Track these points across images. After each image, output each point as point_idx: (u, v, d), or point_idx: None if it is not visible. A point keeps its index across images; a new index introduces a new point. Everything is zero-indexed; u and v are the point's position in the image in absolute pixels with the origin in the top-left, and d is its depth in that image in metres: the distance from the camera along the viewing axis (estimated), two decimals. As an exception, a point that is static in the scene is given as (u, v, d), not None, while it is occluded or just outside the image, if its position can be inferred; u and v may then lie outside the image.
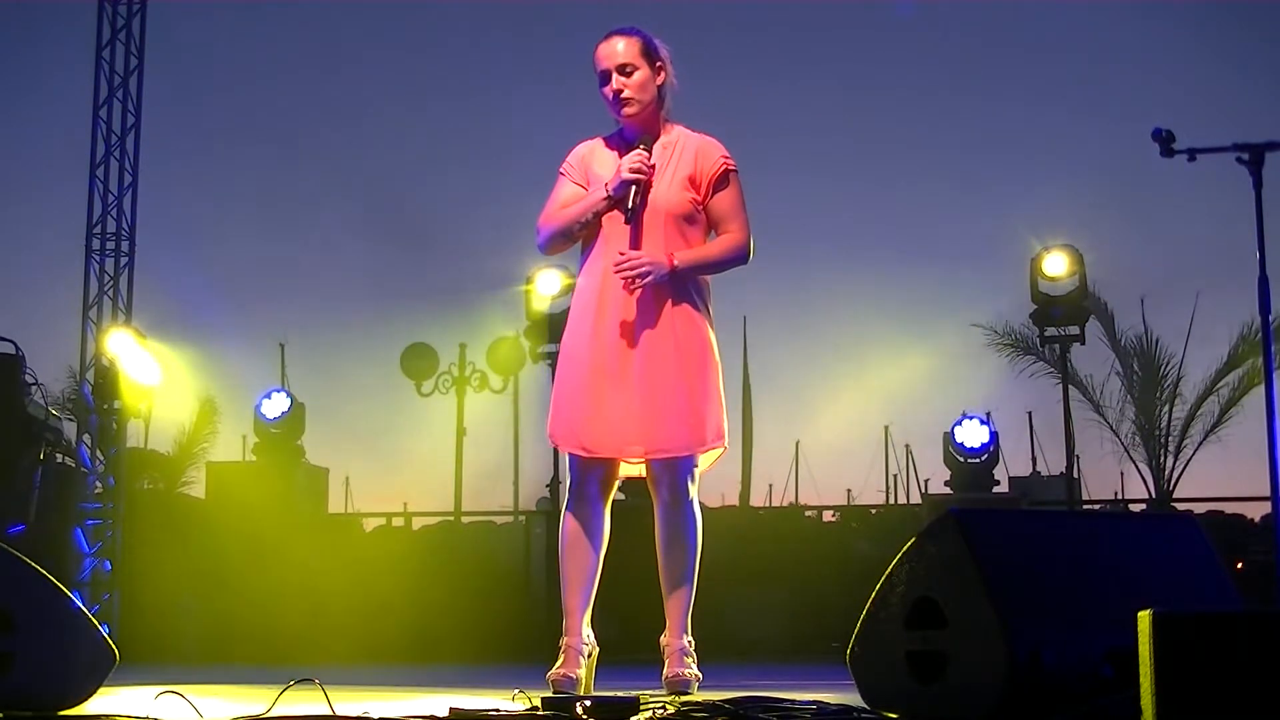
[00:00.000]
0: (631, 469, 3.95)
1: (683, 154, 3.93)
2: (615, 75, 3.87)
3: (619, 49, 3.89)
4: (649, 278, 3.75)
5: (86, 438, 10.15)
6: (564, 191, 3.97)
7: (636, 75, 3.88)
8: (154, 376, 10.00)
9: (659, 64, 3.93)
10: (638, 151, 3.85)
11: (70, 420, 10.19)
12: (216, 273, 15.23)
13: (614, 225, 3.87)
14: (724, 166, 3.93)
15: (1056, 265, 9.41)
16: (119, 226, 10.30)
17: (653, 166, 3.86)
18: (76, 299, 10.21)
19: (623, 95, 3.86)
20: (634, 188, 3.81)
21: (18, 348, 7.19)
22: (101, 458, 10.18)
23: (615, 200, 3.83)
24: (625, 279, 3.76)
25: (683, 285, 3.85)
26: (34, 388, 7.38)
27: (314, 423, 11.24)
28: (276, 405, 10.89)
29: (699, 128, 4.01)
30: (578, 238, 3.94)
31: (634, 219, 3.82)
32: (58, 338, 10.58)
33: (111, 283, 10.24)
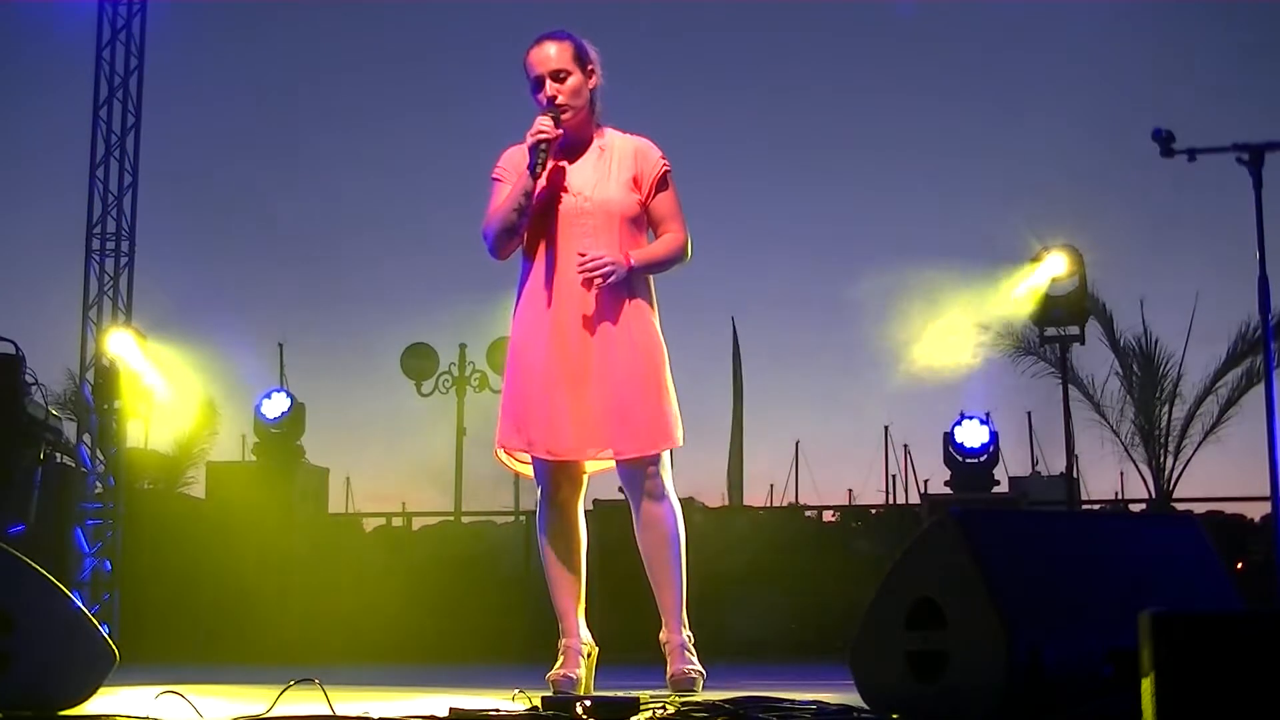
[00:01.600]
0: (599, 464, 3.95)
1: (621, 157, 3.95)
2: (549, 81, 3.87)
3: (551, 54, 3.88)
4: (611, 277, 3.76)
5: (86, 438, 10.16)
6: (500, 195, 3.97)
7: (570, 80, 3.87)
8: (160, 388, 10.04)
9: (590, 67, 3.93)
10: (543, 118, 3.84)
11: (70, 420, 10.21)
12: (216, 273, 15.24)
13: (565, 227, 3.87)
14: (664, 168, 3.96)
15: (1056, 265, 9.42)
16: (119, 226, 10.32)
17: (560, 133, 3.84)
18: (76, 299, 10.23)
19: (557, 101, 3.86)
20: (542, 148, 3.79)
21: (18, 348, 7.18)
22: (101, 458, 10.19)
23: (531, 169, 3.81)
24: (587, 278, 3.76)
25: (632, 284, 3.87)
26: (34, 388, 7.37)
27: (314, 423, 11.25)
28: (276, 405, 10.89)
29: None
30: (520, 229, 3.90)
31: (541, 172, 3.80)
32: (58, 338, 10.59)
33: (111, 283, 10.25)
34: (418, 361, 11.59)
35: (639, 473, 3.87)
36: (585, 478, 3.99)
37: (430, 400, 11.65)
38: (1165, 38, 14.81)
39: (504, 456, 3.97)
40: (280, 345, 12.99)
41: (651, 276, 3.97)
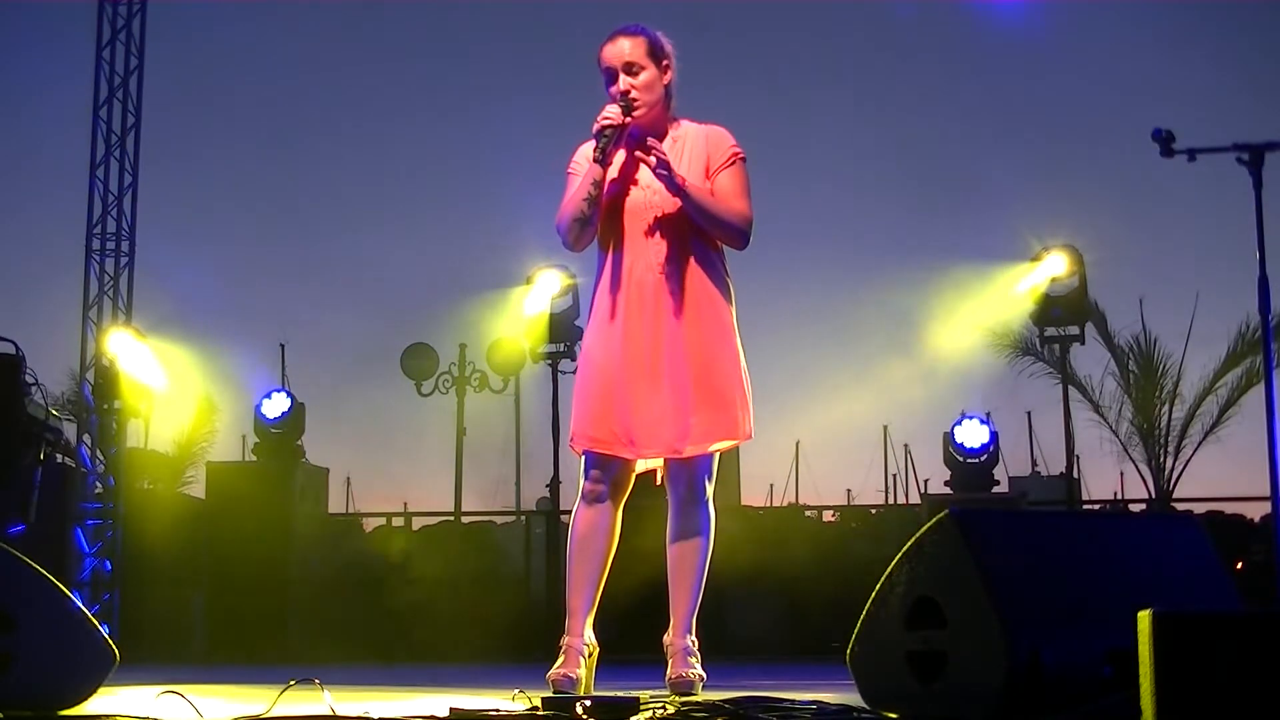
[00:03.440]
0: (645, 464, 3.93)
1: (694, 146, 3.95)
2: (622, 75, 3.87)
3: (625, 49, 3.89)
4: (666, 171, 3.74)
5: (86, 438, 10.17)
6: (571, 188, 3.97)
7: (644, 75, 3.88)
8: (158, 380, 10.03)
9: (665, 62, 3.93)
10: (610, 105, 3.85)
11: (70, 420, 10.20)
12: (216, 273, 15.23)
13: (634, 222, 3.88)
14: (734, 153, 3.94)
15: (1056, 265, 9.42)
16: (119, 226, 10.32)
17: (627, 121, 3.85)
18: (76, 299, 10.23)
19: (630, 95, 3.86)
20: (606, 134, 3.80)
21: (18, 348, 7.16)
22: (101, 458, 10.19)
23: (599, 157, 3.82)
24: (652, 160, 3.75)
25: (705, 277, 3.86)
26: (34, 388, 7.36)
27: (314, 423, 11.23)
28: (276, 405, 10.88)
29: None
30: (592, 219, 3.89)
31: (606, 160, 3.83)
32: (58, 338, 10.59)
33: (111, 283, 10.25)
34: (418, 361, 11.56)
35: (685, 473, 3.87)
36: (633, 479, 3.95)
37: (430, 400, 11.63)
38: (1165, 38, 14.82)
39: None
40: (281, 345, 13.00)
41: (730, 278, 3.95)
